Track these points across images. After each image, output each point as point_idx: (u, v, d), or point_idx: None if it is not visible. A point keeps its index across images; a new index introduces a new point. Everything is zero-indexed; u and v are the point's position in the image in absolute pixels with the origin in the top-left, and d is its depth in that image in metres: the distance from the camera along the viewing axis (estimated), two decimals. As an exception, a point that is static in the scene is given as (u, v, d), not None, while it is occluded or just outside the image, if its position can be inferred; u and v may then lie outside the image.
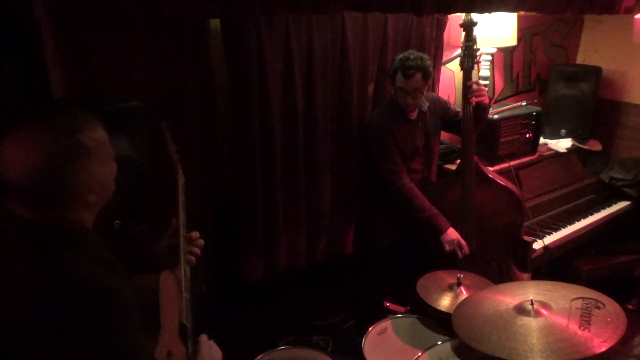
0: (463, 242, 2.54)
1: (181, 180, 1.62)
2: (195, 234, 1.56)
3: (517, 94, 3.75)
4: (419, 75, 2.41)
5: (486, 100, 2.54)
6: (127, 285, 1.15)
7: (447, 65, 3.18)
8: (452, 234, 2.53)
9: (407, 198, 2.56)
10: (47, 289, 1.03)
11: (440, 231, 2.53)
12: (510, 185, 2.66)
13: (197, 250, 1.55)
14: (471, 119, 2.52)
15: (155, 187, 1.79)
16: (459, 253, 2.53)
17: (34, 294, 1.03)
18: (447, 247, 2.53)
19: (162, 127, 1.72)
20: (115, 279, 1.11)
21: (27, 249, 1.08)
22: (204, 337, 1.34)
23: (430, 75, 2.47)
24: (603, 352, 1.48)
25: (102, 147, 1.19)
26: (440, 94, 2.95)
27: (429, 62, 2.46)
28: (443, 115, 2.72)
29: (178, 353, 1.25)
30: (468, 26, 2.50)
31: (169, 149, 1.69)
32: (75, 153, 1.11)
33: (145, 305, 1.19)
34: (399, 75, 2.43)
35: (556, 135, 3.60)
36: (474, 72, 2.58)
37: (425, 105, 2.63)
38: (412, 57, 2.40)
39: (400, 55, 2.46)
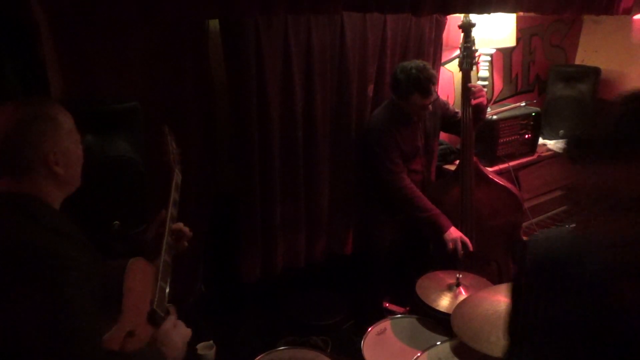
0: (466, 239, 2.53)
1: (177, 178, 1.68)
2: (180, 225, 1.59)
3: (516, 94, 3.75)
4: (433, 88, 2.42)
5: (484, 102, 2.54)
6: (88, 259, 1.18)
7: (446, 66, 3.18)
8: (454, 232, 2.53)
9: (408, 198, 2.55)
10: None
11: (443, 230, 2.53)
12: (509, 186, 2.67)
13: (184, 244, 1.60)
14: (471, 120, 2.52)
15: (153, 188, 1.78)
16: (461, 251, 2.52)
17: None
18: (449, 246, 2.51)
19: (165, 129, 1.78)
20: (69, 248, 1.13)
21: None
22: (171, 317, 1.37)
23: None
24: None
25: (69, 128, 1.26)
26: (439, 95, 2.96)
27: (431, 67, 2.46)
28: (442, 115, 2.72)
29: (142, 335, 1.28)
30: (466, 27, 2.50)
31: (168, 150, 1.72)
32: (44, 120, 1.19)
33: (108, 287, 1.24)
34: (417, 96, 2.40)
35: (555, 136, 3.61)
36: (473, 73, 2.58)
37: None
38: (422, 75, 2.36)
39: (407, 73, 2.39)
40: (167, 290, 1.42)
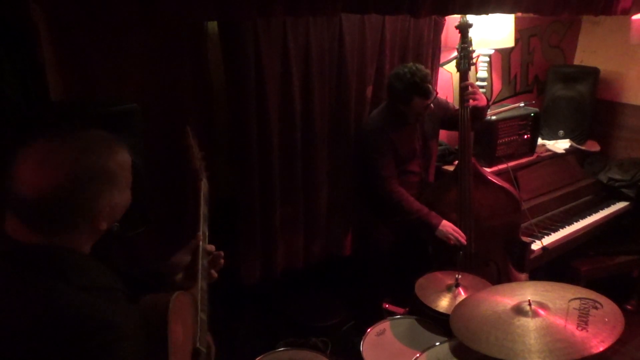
0: (458, 230, 2.55)
1: (204, 189, 1.50)
2: (212, 247, 1.46)
3: (515, 95, 3.75)
4: (430, 87, 2.43)
5: (482, 103, 2.54)
6: (129, 312, 1.08)
7: (445, 67, 3.18)
8: (445, 226, 2.54)
9: (395, 202, 2.58)
10: (35, 319, 0.96)
11: (434, 227, 2.54)
12: (507, 186, 2.67)
13: (220, 263, 1.47)
14: (468, 121, 2.53)
15: (153, 190, 1.79)
16: (460, 240, 2.53)
17: (21, 324, 0.96)
18: (447, 240, 2.53)
19: (188, 131, 1.63)
20: (112, 307, 1.03)
21: (14, 275, 1.00)
22: None
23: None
24: (601, 352, 1.49)
25: (124, 174, 1.13)
26: (438, 96, 2.96)
27: (423, 67, 2.46)
28: (443, 115, 2.72)
29: None
30: (463, 28, 2.51)
31: (193, 154, 1.59)
32: (101, 177, 1.06)
33: (151, 330, 1.11)
34: (417, 99, 2.41)
35: (554, 136, 3.61)
36: (472, 74, 2.59)
37: None
38: (417, 77, 2.37)
39: (402, 80, 2.40)
40: (206, 322, 1.28)
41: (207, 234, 1.42)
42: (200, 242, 1.38)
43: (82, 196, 1.03)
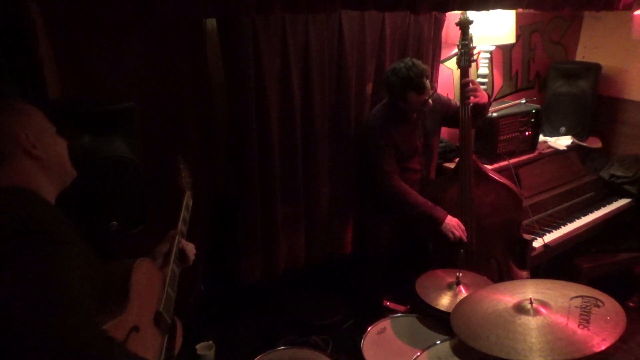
0: (462, 227, 2.54)
1: (188, 200, 1.76)
2: (185, 246, 1.66)
3: (516, 91, 3.74)
4: (427, 82, 2.42)
5: (483, 100, 2.53)
6: (86, 246, 1.18)
7: (446, 63, 3.17)
8: (451, 220, 2.53)
9: (400, 197, 2.56)
10: None
11: (439, 221, 2.53)
12: (509, 183, 2.66)
13: (190, 256, 1.67)
14: (469, 118, 2.52)
15: (151, 188, 1.78)
16: (464, 236, 2.52)
17: None
18: (450, 236, 2.51)
19: (180, 160, 1.85)
20: (68, 229, 1.11)
21: None
22: None
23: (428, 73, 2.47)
24: (602, 351, 1.48)
25: (40, 118, 1.24)
26: (439, 92, 2.95)
27: (420, 62, 2.45)
28: (444, 112, 2.71)
29: (148, 333, 1.31)
30: (464, 24, 2.49)
31: (180, 176, 1.80)
32: (10, 110, 1.18)
33: (115, 278, 1.26)
34: (412, 94, 2.41)
35: (556, 133, 3.59)
36: (473, 70, 2.57)
37: None
38: (412, 72, 2.36)
39: (398, 75, 2.40)
40: (173, 298, 1.47)
41: (184, 233, 1.68)
42: (177, 234, 1.61)
43: None
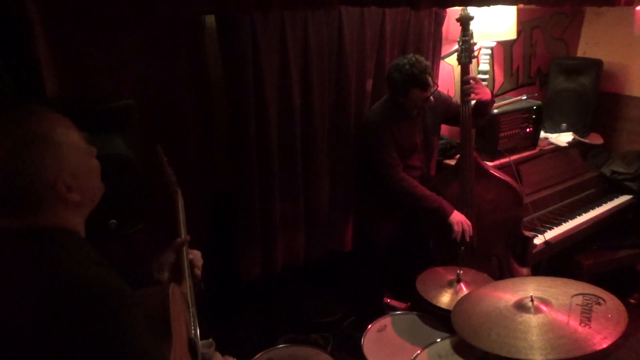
0: (468, 223, 2.52)
1: (181, 201, 1.63)
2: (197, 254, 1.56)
3: (517, 87, 3.72)
4: (430, 78, 2.41)
5: (485, 97, 2.51)
6: (128, 287, 1.06)
7: (446, 59, 3.15)
8: (457, 215, 2.52)
9: (407, 190, 2.54)
10: (40, 294, 0.95)
11: (447, 215, 2.51)
12: (509, 180, 2.65)
13: (198, 267, 1.55)
14: (469, 115, 2.51)
15: (150, 187, 1.77)
16: (466, 235, 2.51)
17: (27, 301, 0.95)
18: (455, 228, 2.50)
19: (159, 151, 1.70)
20: (115, 277, 1.02)
21: (12, 258, 0.99)
22: (216, 353, 1.34)
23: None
24: (604, 349, 1.47)
25: (72, 140, 1.10)
26: (439, 89, 2.93)
27: (423, 58, 2.43)
28: (445, 110, 2.69)
29: None
30: (464, 21, 2.48)
31: (166, 172, 1.68)
32: (38, 143, 1.02)
33: (153, 314, 1.14)
34: (416, 91, 2.39)
35: (557, 129, 3.58)
36: (474, 67, 2.56)
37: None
38: (416, 69, 2.35)
39: (401, 71, 2.38)
40: (197, 316, 1.37)
41: (188, 239, 1.52)
42: (184, 243, 1.47)
43: (23, 166, 1.01)
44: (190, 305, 1.34)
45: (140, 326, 1.01)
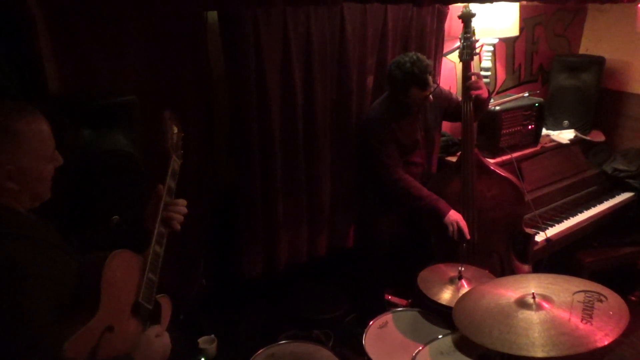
0: (463, 223, 2.52)
1: (174, 164, 1.53)
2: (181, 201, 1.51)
3: (519, 84, 3.72)
4: (430, 78, 2.40)
5: (484, 95, 2.51)
6: (52, 260, 1.18)
7: (449, 56, 3.15)
8: (453, 215, 2.52)
9: (404, 189, 2.55)
10: None
11: (442, 214, 2.52)
12: (511, 177, 2.65)
13: (180, 217, 1.49)
14: (471, 112, 2.50)
15: (152, 182, 1.77)
16: (465, 233, 2.51)
17: None
18: (449, 228, 2.50)
19: (166, 115, 1.61)
20: (28, 253, 1.12)
21: None
22: (155, 327, 1.35)
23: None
24: (605, 346, 1.47)
25: (35, 145, 1.19)
26: (441, 86, 2.93)
27: (425, 57, 2.43)
28: (446, 106, 2.69)
29: (123, 329, 1.27)
30: (466, 17, 2.47)
31: (167, 136, 1.57)
32: (3, 133, 1.14)
33: (84, 282, 1.23)
34: (415, 89, 2.39)
35: (559, 127, 3.58)
36: (476, 63, 2.55)
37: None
38: (416, 68, 2.34)
39: (402, 69, 2.37)
40: (156, 281, 1.38)
41: (169, 202, 1.47)
42: (159, 208, 1.44)
43: None
44: (148, 271, 1.35)
45: (36, 302, 1.08)
